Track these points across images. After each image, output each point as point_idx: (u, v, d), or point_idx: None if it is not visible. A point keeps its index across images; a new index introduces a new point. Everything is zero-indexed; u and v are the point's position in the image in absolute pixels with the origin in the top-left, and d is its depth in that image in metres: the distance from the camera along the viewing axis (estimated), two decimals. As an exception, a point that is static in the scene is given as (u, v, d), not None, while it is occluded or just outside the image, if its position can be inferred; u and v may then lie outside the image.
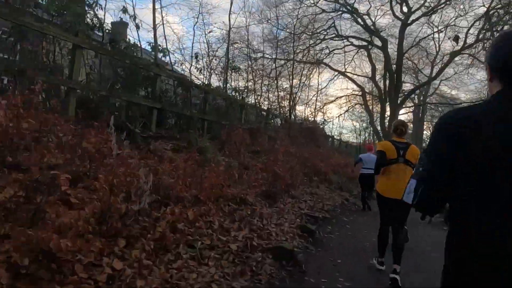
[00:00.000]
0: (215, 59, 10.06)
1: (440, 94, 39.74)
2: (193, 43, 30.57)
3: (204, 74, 10.19)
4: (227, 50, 11.60)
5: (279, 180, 6.78)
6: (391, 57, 25.79)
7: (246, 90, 11.40)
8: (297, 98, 18.01)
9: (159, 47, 8.63)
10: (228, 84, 11.02)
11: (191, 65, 9.57)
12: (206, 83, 9.19)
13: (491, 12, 23.12)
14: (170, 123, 7.92)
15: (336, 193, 10.81)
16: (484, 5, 21.66)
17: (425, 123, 41.20)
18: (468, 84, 35.47)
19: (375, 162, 4.57)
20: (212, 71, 9.29)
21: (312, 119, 17.12)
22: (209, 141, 8.51)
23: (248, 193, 5.81)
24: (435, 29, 27.29)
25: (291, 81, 16.85)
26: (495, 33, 24.45)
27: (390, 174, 4.35)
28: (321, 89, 28.41)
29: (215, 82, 11.33)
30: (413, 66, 31.56)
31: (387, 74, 26.53)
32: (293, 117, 16.09)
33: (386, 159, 4.37)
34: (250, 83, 13.05)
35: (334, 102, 26.88)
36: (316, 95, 26.68)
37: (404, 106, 28.67)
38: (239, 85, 11.86)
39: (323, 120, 19.65)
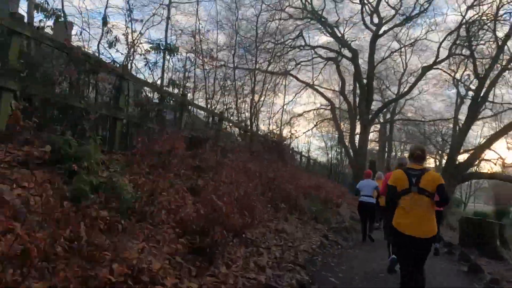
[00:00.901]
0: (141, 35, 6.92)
1: (405, 114, 38.75)
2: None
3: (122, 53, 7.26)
4: (166, 27, 8.70)
5: (220, 218, 3.74)
6: (362, 71, 23.98)
7: (189, 84, 8.49)
8: (260, 105, 15.28)
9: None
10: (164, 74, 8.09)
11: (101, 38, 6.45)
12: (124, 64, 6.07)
13: (463, 27, 21.89)
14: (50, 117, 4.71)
15: (311, 226, 7.91)
16: (462, 15, 20.14)
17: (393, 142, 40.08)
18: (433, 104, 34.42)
19: (385, 199, 4.22)
20: (133, 49, 6.20)
21: (278, 132, 14.33)
22: (118, 152, 5.36)
23: (152, 259, 2.73)
24: (404, 44, 26.05)
25: (252, 85, 14.15)
26: (467, 48, 23.52)
27: (404, 207, 3.81)
28: (287, 102, 26.06)
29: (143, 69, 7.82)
30: (380, 85, 30.14)
31: (357, 87, 24.64)
32: (255, 127, 13.28)
33: (396, 193, 3.85)
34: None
35: (302, 116, 24.42)
36: (282, 108, 24.29)
37: (375, 123, 26.62)
38: (179, 77, 8.81)
39: (290, 134, 16.89)
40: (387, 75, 30.71)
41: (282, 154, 13.77)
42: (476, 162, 20.07)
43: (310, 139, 23.50)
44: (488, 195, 39.90)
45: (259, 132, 13.21)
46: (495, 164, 22.93)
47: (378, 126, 39.83)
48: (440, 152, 39.30)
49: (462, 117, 27.66)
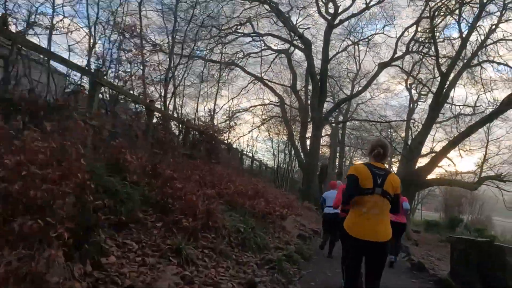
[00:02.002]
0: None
1: (357, 118, 37.25)
2: None
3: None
4: None
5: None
6: (316, 70, 21.44)
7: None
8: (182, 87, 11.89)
9: None
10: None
11: None
12: None
13: (421, 22, 20.10)
14: None
15: (231, 260, 4.62)
16: (426, 8, 18.10)
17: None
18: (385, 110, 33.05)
19: (344, 191, 3.41)
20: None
21: (209, 122, 10.96)
22: None
23: None
24: (360, 38, 24.03)
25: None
26: (426, 44, 21.92)
27: (362, 208, 3.27)
28: (233, 97, 22.88)
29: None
30: (333, 87, 28.00)
31: (310, 83, 22.06)
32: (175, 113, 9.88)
33: (359, 187, 3.26)
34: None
35: (248, 112, 21.25)
36: (229, 102, 21.04)
37: (328, 122, 24.09)
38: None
39: (229, 127, 13.57)
40: (339, 76, 28.68)
41: (213, 150, 10.46)
42: (435, 168, 18.02)
43: (257, 139, 20.29)
44: (436, 202, 39.27)
45: (181, 117, 9.77)
46: (446, 171, 21.55)
47: (330, 130, 38.08)
48: (389, 158, 38.23)
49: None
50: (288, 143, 20.89)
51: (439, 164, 18.61)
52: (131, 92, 7.16)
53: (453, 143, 16.75)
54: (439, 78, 19.96)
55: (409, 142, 31.80)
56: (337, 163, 38.00)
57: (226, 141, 12.19)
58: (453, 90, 18.27)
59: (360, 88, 22.55)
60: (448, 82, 17.06)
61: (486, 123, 16.03)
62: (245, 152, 16.62)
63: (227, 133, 13.58)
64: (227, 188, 7.02)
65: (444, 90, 17.04)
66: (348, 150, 46.67)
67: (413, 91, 30.90)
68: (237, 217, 6.16)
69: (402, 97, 69.03)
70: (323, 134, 39.29)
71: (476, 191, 20.92)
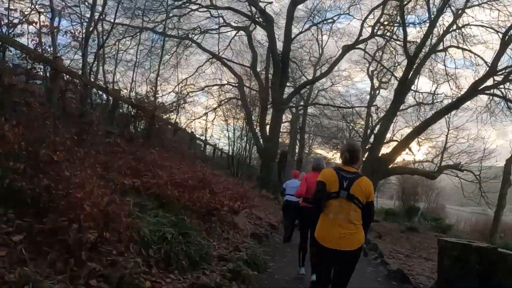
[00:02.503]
0: None
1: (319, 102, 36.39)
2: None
3: None
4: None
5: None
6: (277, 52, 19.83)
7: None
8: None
9: None
10: None
11: None
12: None
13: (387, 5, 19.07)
14: None
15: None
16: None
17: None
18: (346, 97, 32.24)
19: (313, 196, 3.42)
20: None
21: (147, 96, 9.00)
22: None
23: None
24: (323, 19, 22.75)
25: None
26: (391, 28, 21.02)
27: (329, 213, 3.17)
28: (188, 77, 20.77)
29: None
30: (294, 73, 26.66)
31: (271, 64, 20.47)
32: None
33: (325, 192, 3.18)
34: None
35: (204, 93, 19.26)
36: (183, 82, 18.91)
37: (289, 106, 22.67)
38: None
39: (176, 105, 11.62)
40: (302, 60, 27.35)
41: (153, 131, 8.58)
42: (398, 156, 17.16)
43: (213, 122, 18.38)
44: (391, 191, 39.55)
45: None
46: (404, 160, 21.06)
47: (290, 116, 36.93)
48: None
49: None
50: (246, 128, 19.28)
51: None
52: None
53: (417, 131, 15.91)
54: (405, 61, 19.22)
55: (369, 130, 31.62)
56: (296, 151, 37.09)
57: (173, 122, 10.29)
58: (418, 77, 17.40)
59: (323, 71, 21.20)
60: (414, 67, 16.10)
61: (452, 109, 15.30)
62: (198, 136, 14.77)
63: (175, 113, 11.67)
64: (157, 178, 5.25)
65: (410, 76, 16.08)
66: (308, 137, 46.10)
67: (374, 80, 30.47)
68: (167, 217, 4.43)
69: (363, 86, 69.80)
70: (283, 121, 38.24)
71: (433, 180, 20.47)
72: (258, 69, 21.81)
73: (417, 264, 8.31)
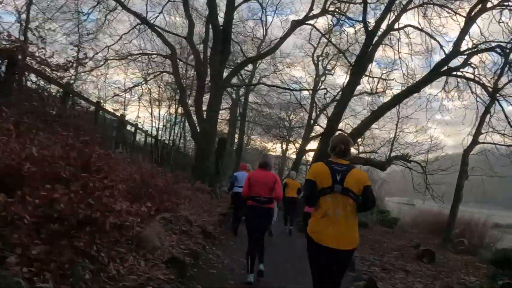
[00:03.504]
0: None
1: (259, 92, 34.11)
2: None
3: None
4: None
5: None
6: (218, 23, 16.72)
7: None
8: None
9: None
10: None
11: None
12: None
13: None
14: None
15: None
16: None
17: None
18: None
19: (304, 198, 3.36)
20: None
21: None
22: None
23: None
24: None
25: None
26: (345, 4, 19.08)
27: (322, 210, 3.00)
28: (110, 45, 16.85)
29: None
30: (235, 56, 23.82)
31: (211, 36, 17.35)
32: None
33: (316, 189, 3.01)
34: None
35: (129, 60, 15.47)
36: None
37: (230, 85, 19.71)
38: None
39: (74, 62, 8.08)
40: (245, 41, 24.55)
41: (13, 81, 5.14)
42: (354, 144, 15.14)
43: (139, 100, 14.58)
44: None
45: None
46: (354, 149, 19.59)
47: (230, 103, 34.07)
48: (287, 137, 36.15)
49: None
50: (180, 108, 16.04)
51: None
52: None
53: (375, 115, 13.97)
54: (357, 45, 17.37)
55: (312, 121, 29.96)
56: (236, 140, 34.40)
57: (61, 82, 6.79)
58: (372, 60, 15.49)
59: (269, 48, 18.55)
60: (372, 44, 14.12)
61: (412, 93, 13.56)
62: (109, 110, 11.19)
63: (73, 75, 8.13)
64: None
65: (368, 52, 14.07)
66: (247, 127, 43.64)
67: (319, 66, 28.69)
68: None
69: (301, 75, 68.84)
70: (222, 107, 35.29)
71: (383, 171, 19.03)
72: (196, 43, 18.60)
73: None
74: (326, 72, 28.79)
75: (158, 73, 15.99)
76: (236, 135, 33.17)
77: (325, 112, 20.34)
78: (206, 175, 15.98)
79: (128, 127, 12.43)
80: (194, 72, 17.17)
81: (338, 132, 14.81)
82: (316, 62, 28.27)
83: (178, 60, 16.95)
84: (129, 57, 15.55)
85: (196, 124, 16.93)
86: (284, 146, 44.50)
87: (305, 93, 25.49)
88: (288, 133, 36.82)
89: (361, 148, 17.68)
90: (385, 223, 19.10)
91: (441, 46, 14.66)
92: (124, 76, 15.00)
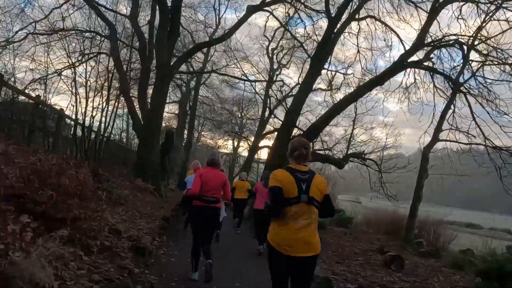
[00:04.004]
0: None
1: (210, 85, 32.48)
2: None
3: None
4: None
5: None
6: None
7: None
8: None
9: None
10: None
11: None
12: None
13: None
14: None
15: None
16: None
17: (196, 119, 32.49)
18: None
19: (270, 204, 3.01)
20: None
21: None
22: None
23: None
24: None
25: None
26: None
27: (288, 220, 2.85)
28: (38, 20, 14.27)
29: None
30: (188, 44, 21.91)
31: (157, 16, 15.36)
32: None
33: (284, 198, 2.85)
34: None
35: (59, 38, 13.00)
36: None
37: (178, 72, 17.76)
38: None
39: None
40: (196, 30, 22.69)
41: None
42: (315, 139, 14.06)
43: (74, 85, 12.19)
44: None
45: None
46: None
47: (179, 95, 31.96)
48: (239, 133, 34.82)
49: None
50: (120, 97, 13.92)
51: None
52: None
53: (336, 108, 12.94)
54: (315, 37, 16.38)
55: (266, 115, 28.80)
56: (185, 136, 32.32)
57: None
58: (333, 49, 14.50)
59: (224, 33, 16.89)
60: (334, 31, 13.10)
61: (375, 85, 12.71)
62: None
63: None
64: None
65: (331, 38, 13.02)
66: (198, 122, 41.62)
67: (274, 60, 27.54)
68: None
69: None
70: (170, 100, 33.03)
71: (340, 169, 18.26)
72: (141, 24, 16.50)
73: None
74: (281, 66, 27.77)
75: (94, 54, 13.69)
76: (185, 131, 31.04)
77: (282, 105, 19.03)
78: (149, 170, 14.07)
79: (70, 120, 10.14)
80: (138, 56, 15.06)
81: (296, 133, 13.69)
82: (270, 55, 27.14)
83: (119, 43, 14.77)
84: (58, 34, 13.10)
85: (140, 116, 14.92)
86: (236, 143, 43.21)
87: (258, 88, 24.10)
88: (240, 130, 35.53)
89: (317, 145, 16.65)
90: (341, 223, 18.31)
91: (401, 40, 14.10)
92: (53, 57, 12.49)
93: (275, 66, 27.52)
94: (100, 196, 5.15)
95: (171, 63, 15.08)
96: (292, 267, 2.86)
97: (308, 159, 3.05)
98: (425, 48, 12.42)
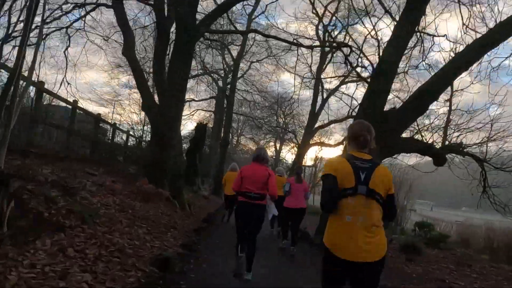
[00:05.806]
0: None
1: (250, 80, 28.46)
2: None
3: None
4: None
5: None
6: None
7: None
8: None
9: None
10: None
11: None
12: None
13: None
14: None
15: None
16: None
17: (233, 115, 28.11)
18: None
19: (321, 196, 2.35)
20: None
21: None
22: None
23: None
24: None
25: None
26: None
27: (342, 216, 2.30)
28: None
29: None
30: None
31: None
32: None
33: (338, 188, 2.30)
34: None
35: None
36: None
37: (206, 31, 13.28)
38: None
39: None
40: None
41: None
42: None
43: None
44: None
45: None
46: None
47: (215, 91, 28.02)
48: (284, 129, 30.25)
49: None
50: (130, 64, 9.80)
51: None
52: None
53: (457, 66, 7.80)
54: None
55: (315, 109, 23.95)
56: (222, 135, 28.07)
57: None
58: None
59: None
60: None
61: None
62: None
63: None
64: None
65: None
66: (236, 125, 37.52)
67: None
68: None
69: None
70: (206, 97, 29.09)
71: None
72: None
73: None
74: (333, 49, 22.80)
75: (93, 6, 9.69)
76: (223, 128, 26.71)
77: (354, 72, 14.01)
78: (168, 172, 9.71)
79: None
80: (152, 13, 10.88)
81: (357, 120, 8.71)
82: (321, 36, 22.30)
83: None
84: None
85: (155, 93, 10.67)
86: (278, 145, 38.59)
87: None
88: (282, 130, 31.11)
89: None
90: (431, 242, 12.81)
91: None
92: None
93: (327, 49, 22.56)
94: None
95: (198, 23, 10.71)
96: (351, 273, 2.26)
97: (369, 145, 2.43)
98: None
